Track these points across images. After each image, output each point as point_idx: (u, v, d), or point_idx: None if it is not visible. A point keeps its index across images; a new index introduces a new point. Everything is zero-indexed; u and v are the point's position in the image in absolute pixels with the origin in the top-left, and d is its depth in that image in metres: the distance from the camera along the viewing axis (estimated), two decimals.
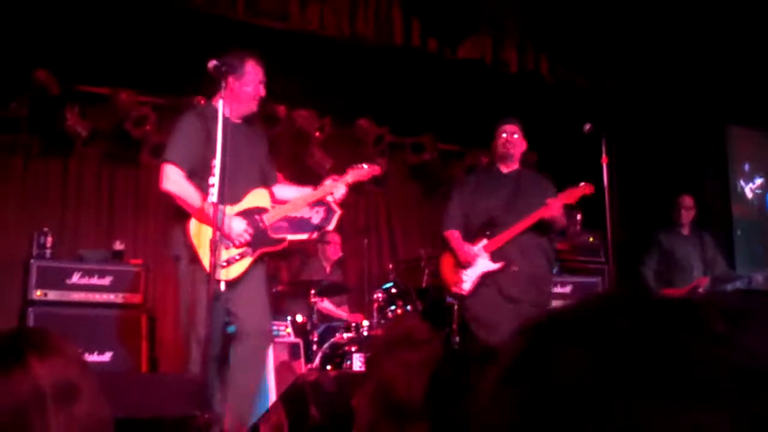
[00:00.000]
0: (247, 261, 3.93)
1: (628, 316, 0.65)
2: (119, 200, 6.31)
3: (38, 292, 4.71)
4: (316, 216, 5.84)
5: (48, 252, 5.01)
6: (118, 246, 5.24)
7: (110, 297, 4.92)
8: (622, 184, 7.14)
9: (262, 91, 4.07)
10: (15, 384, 1.27)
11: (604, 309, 0.67)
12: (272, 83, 4.14)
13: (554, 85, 6.62)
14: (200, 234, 3.84)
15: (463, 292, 4.54)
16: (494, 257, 4.49)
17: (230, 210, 3.89)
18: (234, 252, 3.91)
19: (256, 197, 4.04)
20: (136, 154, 6.11)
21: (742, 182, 7.26)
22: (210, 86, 4.08)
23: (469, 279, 4.52)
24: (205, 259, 3.76)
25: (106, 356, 4.75)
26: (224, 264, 3.85)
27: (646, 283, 5.92)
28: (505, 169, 4.73)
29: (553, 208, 4.49)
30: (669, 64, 6.65)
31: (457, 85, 6.60)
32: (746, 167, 7.33)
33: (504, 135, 4.67)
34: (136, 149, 6.11)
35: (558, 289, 6.25)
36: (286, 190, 4.24)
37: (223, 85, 3.81)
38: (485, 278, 4.50)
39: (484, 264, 4.51)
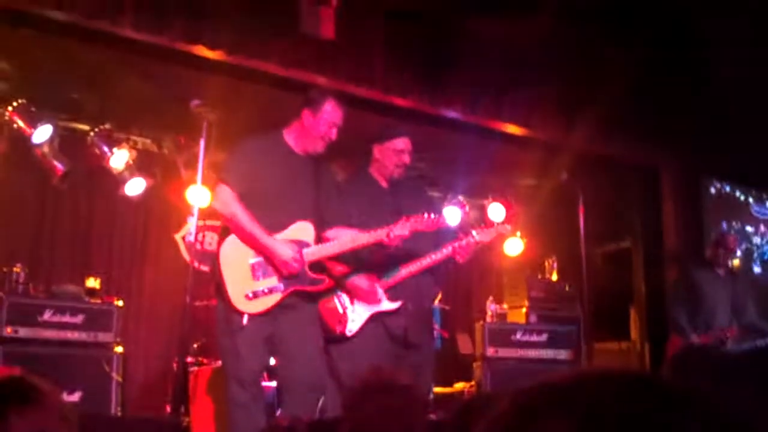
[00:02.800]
0: (276, 297, 3.80)
1: (609, 394, 0.68)
2: (96, 236, 6.26)
3: (8, 329, 4.61)
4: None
5: (20, 288, 4.93)
6: (92, 283, 5.17)
7: (82, 335, 4.83)
8: (595, 233, 7.26)
9: (333, 134, 3.98)
10: None
11: (588, 386, 0.69)
12: None
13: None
14: (233, 261, 3.79)
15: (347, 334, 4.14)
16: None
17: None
18: (262, 284, 3.80)
19: (300, 230, 3.92)
20: (114, 189, 6.09)
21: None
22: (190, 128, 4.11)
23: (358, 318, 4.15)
24: (231, 287, 3.73)
25: (76, 396, 4.64)
26: (250, 295, 3.76)
27: (682, 329, 5.57)
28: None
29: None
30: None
31: None
32: (724, 225, 7.43)
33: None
34: (114, 184, 6.09)
35: (534, 338, 6.24)
36: (343, 236, 4.02)
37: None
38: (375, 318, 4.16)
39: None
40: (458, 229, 6.19)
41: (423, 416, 2.60)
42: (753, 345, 5.46)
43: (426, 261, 4.19)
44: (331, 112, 3.96)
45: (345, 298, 4.16)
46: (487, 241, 4.32)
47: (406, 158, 4.30)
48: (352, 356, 4.01)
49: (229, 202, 3.82)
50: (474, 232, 4.29)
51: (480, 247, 4.36)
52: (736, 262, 7.21)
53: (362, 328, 4.11)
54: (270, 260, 3.82)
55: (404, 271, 4.19)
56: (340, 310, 4.12)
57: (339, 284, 4.13)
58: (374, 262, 4.18)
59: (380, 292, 4.15)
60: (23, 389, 1.36)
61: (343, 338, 4.10)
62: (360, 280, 4.14)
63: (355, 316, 4.12)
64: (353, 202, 4.27)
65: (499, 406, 0.73)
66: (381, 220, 4.03)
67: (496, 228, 4.41)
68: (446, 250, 4.20)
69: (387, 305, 4.15)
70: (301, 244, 3.91)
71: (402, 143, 4.30)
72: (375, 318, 4.14)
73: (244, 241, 3.82)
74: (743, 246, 7.45)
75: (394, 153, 4.28)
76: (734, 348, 5.43)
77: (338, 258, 4.09)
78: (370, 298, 4.12)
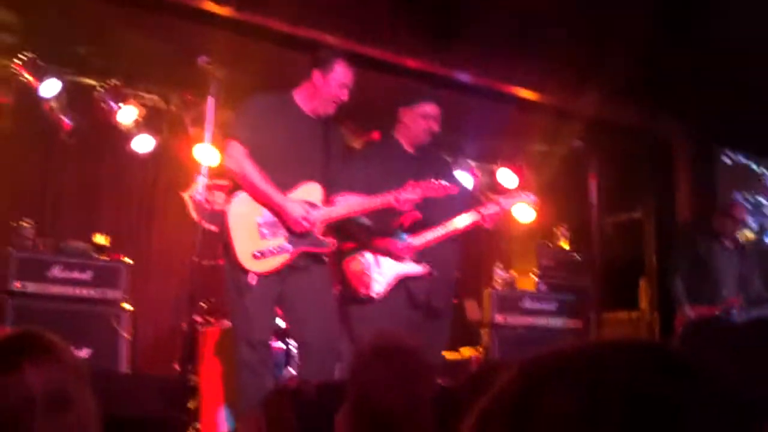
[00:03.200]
0: (284, 257, 3.77)
1: (617, 364, 0.67)
2: (104, 193, 6.24)
3: (17, 284, 4.61)
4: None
5: (28, 243, 4.92)
6: (100, 240, 5.16)
7: (90, 292, 4.82)
8: (609, 201, 7.21)
9: (344, 96, 3.93)
10: (8, 388, 1.24)
11: (596, 356, 0.70)
12: None
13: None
14: (241, 219, 3.76)
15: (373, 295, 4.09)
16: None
17: None
18: (270, 243, 3.77)
19: (308, 191, 3.90)
20: (122, 145, 6.05)
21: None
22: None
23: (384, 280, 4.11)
24: (239, 246, 3.70)
25: (84, 352, 4.65)
26: (257, 254, 3.73)
27: (675, 294, 5.59)
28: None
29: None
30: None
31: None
32: (738, 197, 7.35)
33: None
34: (122, 141, 6.05)
35: (543, 306, 6.22)
36: (352, 199, 4.00)
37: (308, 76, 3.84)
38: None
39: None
40: (473, 195, 6.15)
41: (430, 383, 2.57)
42: (760, 315, 5.44)
43: (452, 227, 4.16)
44: (341, 73, 3.91)
45: (370, 258, 4.11)
46: (509, 208, 4.34)
47: (434, 125, 4.23)
48: (372, 320, 3.97)
49: (241, 159, 3.79)
50: (501, 199, 4.28)
51: (504, 214, 4.35)
52: (749, 234, 7.16)
53: (386, 291, 4.08)
54: (280, 218, 3.78)
55: (430, 235, 4.15)
56: (366, 271, 4.06)
57: (365, 242, 4.09)
58: (394, 225, 4.15)
59: (407, 250, 4.12)
60: (39, 342, 1.36)
61: (366, 300, 4.06)
62: (388, 240, 4.11)
63: (381, 278, 4.07)
64: (371, 164, 4.22)
65: (506, 375, 0.74)
66: (401, 184, 3.96)
67: (520, 195, 4.41)
68: (473, 217, 4.16)
69: (413, 267, 4.13)
70: (310, 205, 3.88)
71: (431, 109, 4.25)
72: (399, 282, 4.11)
73: (255, 199, 3.79)
74: (757, 219, 7.39)
75: (422, 118, 4.22)
76: (740, 318, 5.41)
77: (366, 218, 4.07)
78: (398, 253, 4.08)
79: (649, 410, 0.64)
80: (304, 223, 3.78)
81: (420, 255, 4.17)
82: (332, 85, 3.89)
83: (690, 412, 0.64)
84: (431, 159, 4.39)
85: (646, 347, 0.71)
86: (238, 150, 3.80)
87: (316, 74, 3.90)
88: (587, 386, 0.67)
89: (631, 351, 0.70)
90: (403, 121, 4.28)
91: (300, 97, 3.99)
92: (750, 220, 7.20)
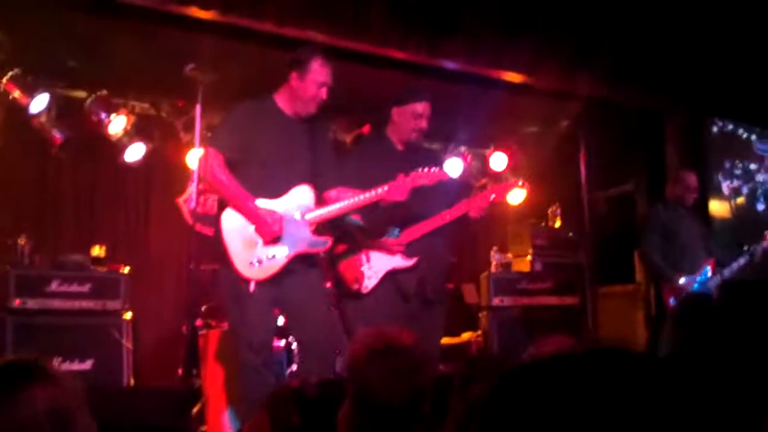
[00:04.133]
0: (280, 262, 3.79)
1: (587, 375, 0.74)
2: (99, 204, 6.28)
3: (17, 301, 4.65)
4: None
5: (26, 259, 4.96)
6: (97, 252, 5.20)
7: (90, 304, 4.87)
8: (599, 178, 7.25)
9: (324, 95, 3.91)
10: (18, 407, 1.34)
11: (566, 367, 0.76)
12: None
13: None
14: (234, 229, 3.79)
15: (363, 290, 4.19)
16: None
17: (267, 203, 3.82)
18: (266, 250, 3.78)
19: (300, 194, 3.90)
20: (115, 156, 6.08)
21: (720, 177, 7.31)
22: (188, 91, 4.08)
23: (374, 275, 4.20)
24: (235, 254, 3.75)
25: (87, 364, 4.71)
26: (254, 262, 3.75)
27: (658, 269, 5.64)
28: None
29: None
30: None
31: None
32: (726, 164, 7.38)
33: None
34: (114, 151, 6.07)
35: (539, 286, 6.28)
36: (344, 194, 4.02)
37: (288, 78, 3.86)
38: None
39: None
40: (465, 182, 6.20)
41: (428, 375, 2.62)
42: (729, 271, 5.55)
43: (441, 219, 4.25)
44: (318, 71, 3.88)
45: (362, 255, 4.22)
46: (502, 196, 4.40)
47: (424, 123, 4.30)
48: (367, 315, 4.05)
49: (214, 167, 3.80)
50: (490, 189, 4.37)
51: (494, 202, 4.41)
52: (740, 199, 7.20)
53: (377, 286, 4.17)
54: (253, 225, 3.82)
55: (419, 230, 4.24)
56: (358, 267, 4.17)
57: (358, 243, 4.17)
58: (388, 221, 4.22)
59: (398, 246, 4.21)
60: (43, 368, 1.47)
61: (358, 295, 4.16)
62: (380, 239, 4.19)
63: (372, 273, 4.17)
64: (362, 160, 4.31)
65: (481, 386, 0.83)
66: (392, 178, 4.01)
67: (509, 182, 4.47)
68: (461, 207, 4.27)
69: (402, 261, 4.20)
70: (301, 208, 3.91)
71: (422, 108, 4.31)
72: (389, 276, 4.19)
73: (232, 207, 3.83)
74: (748, 184, 7.43)
75: (412, 116, 4.29)
76: (715, 281, 5.51)
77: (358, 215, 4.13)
78: (389, 250, 4.18)
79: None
80: (274, 228, 3.77)
81: (410, 246, 4.24)
82: (310, 85, 3.88)
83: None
84: (421, 154, 4.45)
85: (553, 363, 0.79)
86: (212, 158, 3.82)
87: (294, 76, 3.90)
88: (494, 382, 0.76)
89: (546, 363, 0.78)
90: (394, 120, 4.36)
91: (281, 100, 4.00)
92: (739, 186, 7.27)
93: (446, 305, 4.65)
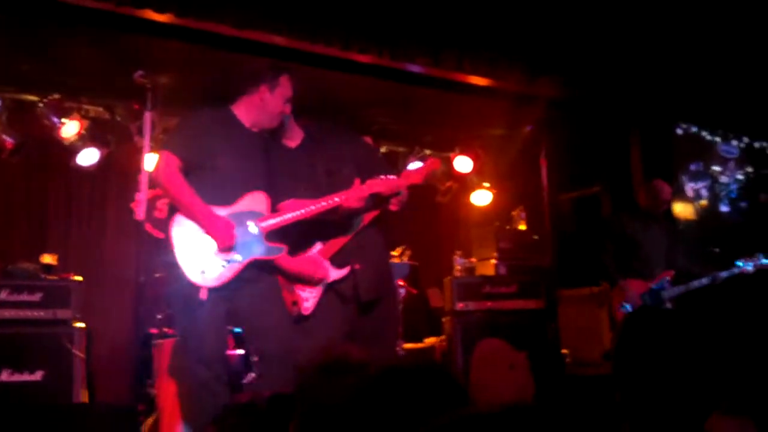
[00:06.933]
0: (233, 268, 3.71)
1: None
2: (52, 210, 6.13)
3: None
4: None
5: None
6: (48, 260, 5.07)
7: (40, 313, 4.74)
8: (564, 181, 7.24)
9: (288, 110, 4.04)
10: None
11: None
12: None
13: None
14: (185, 234, 3.71)
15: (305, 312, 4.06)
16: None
17: (221, 210, 3.76)
18: (218, 256, 3.70)
19: (253, 200, 3.87)
20: (66, 161, 5.94)
21: (684, 179, 7.34)
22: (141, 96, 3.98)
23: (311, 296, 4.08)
24: (186, 260, 3.66)
25: (38, 375, 4.58)
26: (206, 268, 3.67)
27: (608, 272, 5.67)
28: None
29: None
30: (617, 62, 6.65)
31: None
32: (691, 166, 7.42)
33: None
34: (67, 156, 5.94)
35: (503, 289, 6.23)
36: (300, 204, 3.99)
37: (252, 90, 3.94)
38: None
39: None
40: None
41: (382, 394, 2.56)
42: (686, 287, 5.56)
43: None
44: (286, 86, 4.01)
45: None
46: (417, 179, 4.14)
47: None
48: (311, 333, 3.95)
49: (169, 171, 3.75)
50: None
51: (407, 187, 4.14)
52: (703, 201, 7.23)
53: (318, 303, 4.06)
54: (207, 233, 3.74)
55: (319, 245, 4.10)
56: (295, 291, 4.05)
57: (286, 275, 4.04)
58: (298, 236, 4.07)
59: (326, 264, 4.09)
60: None
61: (302, 318, 4.04)
62: (305, 265, 4.05)
63: (308, 294, 4.06)
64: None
65: None
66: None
67: (425, 164, 4.30)
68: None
69: (335, 274, 4.10)
70: (255, 215, 3.85)
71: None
72: (327, 289, 4.09)
73: (180, 212, 3.75)
74: (712, 187, 7.47)
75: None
76: (670, 293, 5.51)
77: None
78: (318, 274, 4.05)
79: None
80: (228, 234, 3.71)
81: (340, 253, 4.12)
82: (279, 99, 3.99)
83: None
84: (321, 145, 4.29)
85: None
86: (168, 161, 3.76)
87: (264, 89, 3.97)
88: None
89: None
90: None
91: (240, 111, 4.02)
92: (702, 188, 7.30)
93: (397, 303, 4.53)
